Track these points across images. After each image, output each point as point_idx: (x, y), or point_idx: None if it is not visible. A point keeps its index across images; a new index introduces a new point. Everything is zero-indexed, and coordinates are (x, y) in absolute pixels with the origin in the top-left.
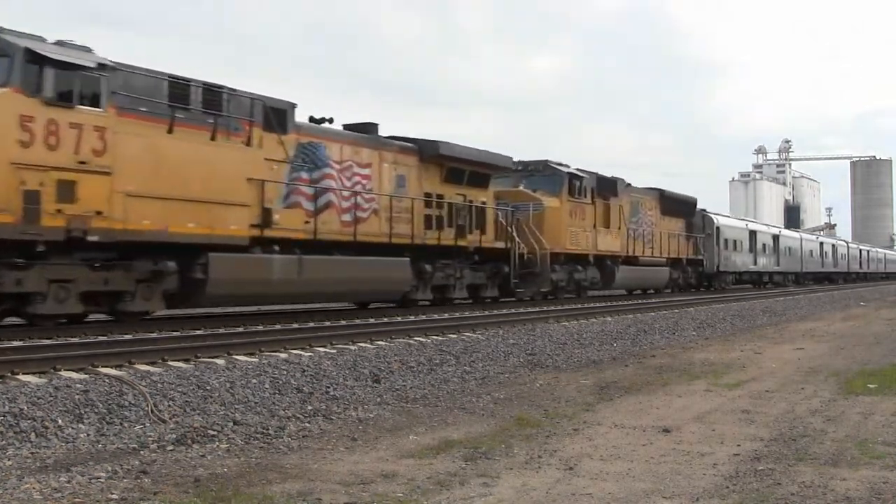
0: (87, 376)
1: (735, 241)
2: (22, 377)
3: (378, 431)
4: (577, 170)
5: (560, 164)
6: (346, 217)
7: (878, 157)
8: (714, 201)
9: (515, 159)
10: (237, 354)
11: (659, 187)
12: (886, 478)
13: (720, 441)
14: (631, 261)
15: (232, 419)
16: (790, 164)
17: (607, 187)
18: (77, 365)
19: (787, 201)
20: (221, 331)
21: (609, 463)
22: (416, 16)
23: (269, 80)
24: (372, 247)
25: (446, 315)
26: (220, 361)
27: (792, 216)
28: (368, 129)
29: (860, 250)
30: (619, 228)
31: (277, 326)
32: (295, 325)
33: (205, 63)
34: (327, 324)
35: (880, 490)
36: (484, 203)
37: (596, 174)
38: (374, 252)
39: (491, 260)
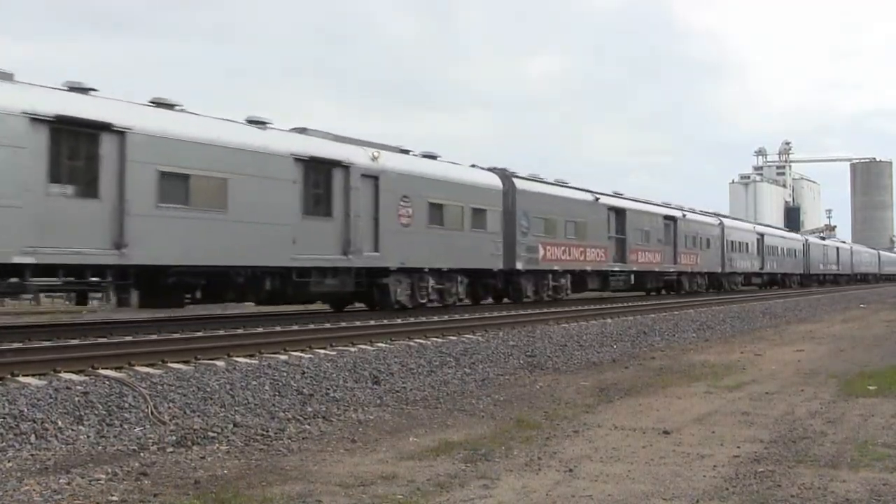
0: (86, 378)
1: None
2: (22, 379)
3: (378, 433)
4: None
5: None
6: None
7: (877, 159)
8: (714, 203)
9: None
10: (237, 356)
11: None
12: (886, 480)
13: (720, 443)
14: None
15: (232, 421)
16: (790, 166)
17: None
18: (77, 366)
19: (787, 203)
20: (221, 333)
21: (609, 465)
22: (414, 18)
23: (259, 80)
24: None
25: (446, 317)
26: (220, 363)
27: (792, 218)
28: None
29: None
30: None
31: (277, 328)
32: (295, 327)
33: (204, 65)
34: (327, 325)
35: (880, 492)
36: None
37: None
38: None
39: None
